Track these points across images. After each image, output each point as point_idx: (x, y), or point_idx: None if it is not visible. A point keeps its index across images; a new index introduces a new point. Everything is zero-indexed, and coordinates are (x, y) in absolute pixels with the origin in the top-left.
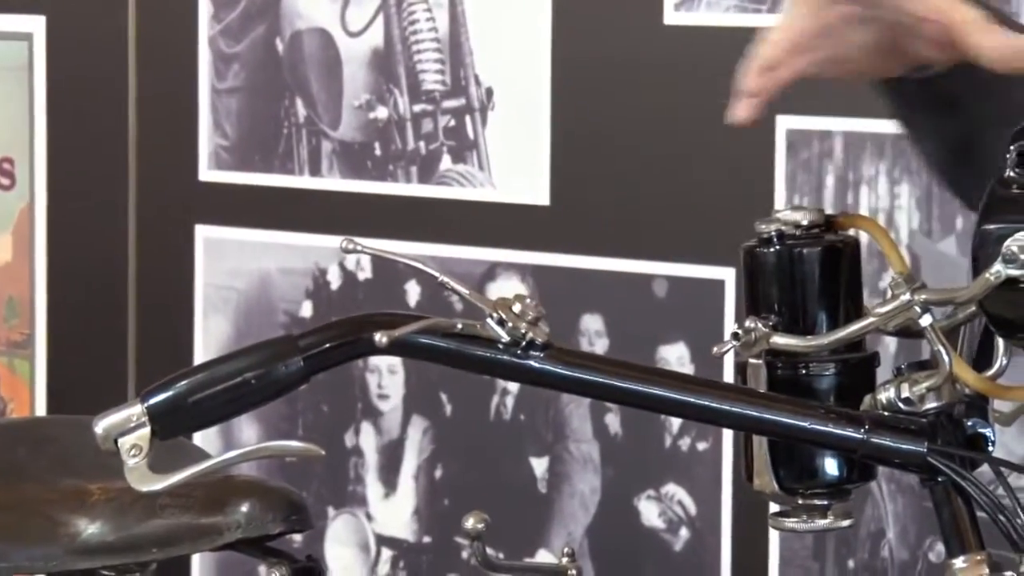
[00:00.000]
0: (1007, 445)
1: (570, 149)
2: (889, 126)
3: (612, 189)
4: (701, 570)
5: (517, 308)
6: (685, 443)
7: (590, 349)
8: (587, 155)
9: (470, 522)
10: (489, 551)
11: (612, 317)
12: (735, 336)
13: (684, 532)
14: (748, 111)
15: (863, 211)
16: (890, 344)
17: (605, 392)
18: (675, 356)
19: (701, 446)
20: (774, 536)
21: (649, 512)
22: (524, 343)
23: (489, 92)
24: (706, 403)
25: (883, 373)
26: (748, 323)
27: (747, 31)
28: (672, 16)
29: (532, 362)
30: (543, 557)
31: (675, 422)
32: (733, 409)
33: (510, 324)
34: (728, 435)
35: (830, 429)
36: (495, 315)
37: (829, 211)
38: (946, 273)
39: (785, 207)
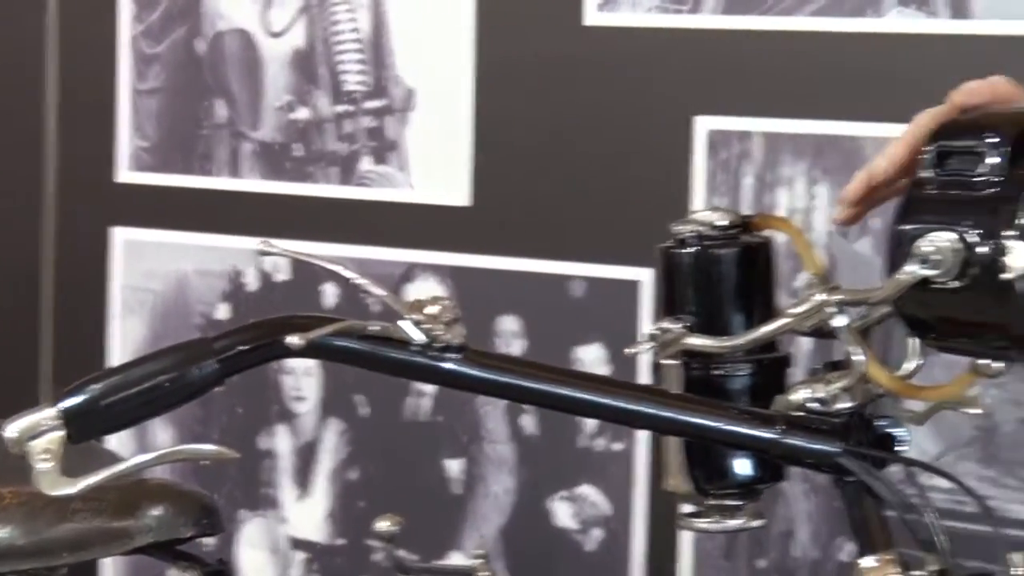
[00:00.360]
0: (920, 444)
1: (491, 150)
2: (808, 127)
3: (533, 190)
4: (613, 570)
5: (433, 310)
6: (600, 444)
7: (507, 350)
8: (508, 156)
9: (382, 524)
10: (402, 553)
11: (530, 318)
12: (649, 337)
13: (597, 532)
14: (849, 218)
15: (781, 212)
16: (807, 344)
17: (519, 394)
18: (592, 357)
19: (616, 447)
20: (687, 536)
21: (563, 513)
22: (439, 345)
23: (411, 93)
24: (620, 404)
25: (803, 373)
26: (663, 324)
27: (668, 32)
28: (594, 17)
29: (446, 364)
30: (458, 559)
31: (590, 423)
32: (647, 410)
33: (425, 326)
34: (642, 436)
35: (744, 430)
36: (409, 317)
37: (748, 212)
38: (862, 273)
39: (702, 208)
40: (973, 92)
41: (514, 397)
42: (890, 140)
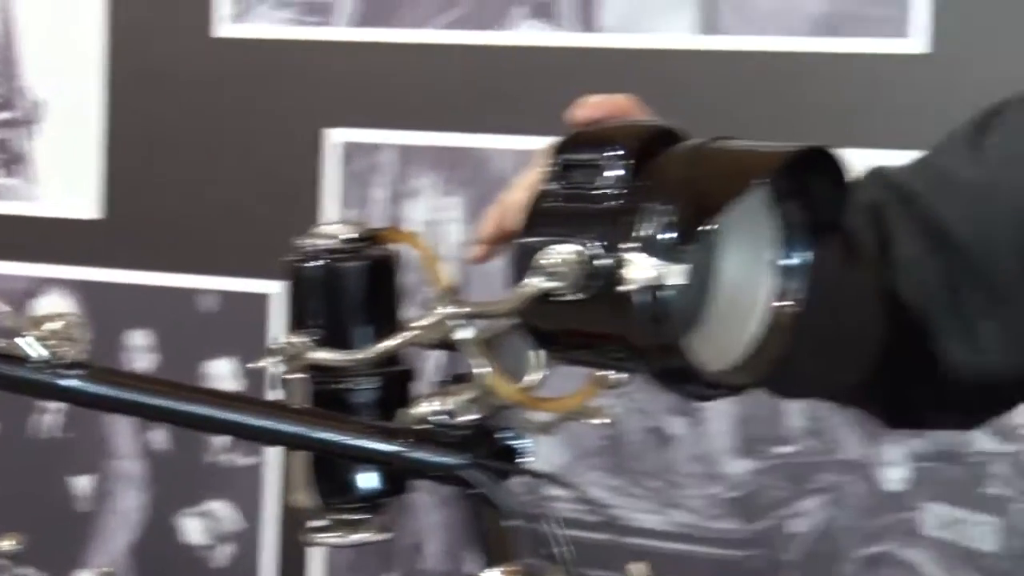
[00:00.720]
0: (545, 455)
1: (123, 162)
2: (441, 139)
3: (165, 203)
4: None
5: (54, 325)
6: (231, 459)
7: (137, 365)
8: (140, 168)
9: (3, 544)
10: (28, 571)
11: (160, 332)
12: (271, 351)
13: (228, 548)
14: (481, 254)
15: (414, 224)
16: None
17: (142, 411)
18: (223, 371)
19: (247, 462)
20: (318, 550)
21: (192, 528)
22: (59, 361)
23: (40, 105)
24: (245, 420)
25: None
26: (288, 338)
27: (301, 44)
28: (226, 28)
29: (67, 381)
30: None
31: (221, 437)
32: (272, 426)
33: (46, 342)
34: (273, 450)
35: (368, 443)
36: (28, 333)
37: (379, 225)
38: (497, 285)
39: (330, 221)
40: (594, 106)
41: (139, 414)
42: (519, 181)
